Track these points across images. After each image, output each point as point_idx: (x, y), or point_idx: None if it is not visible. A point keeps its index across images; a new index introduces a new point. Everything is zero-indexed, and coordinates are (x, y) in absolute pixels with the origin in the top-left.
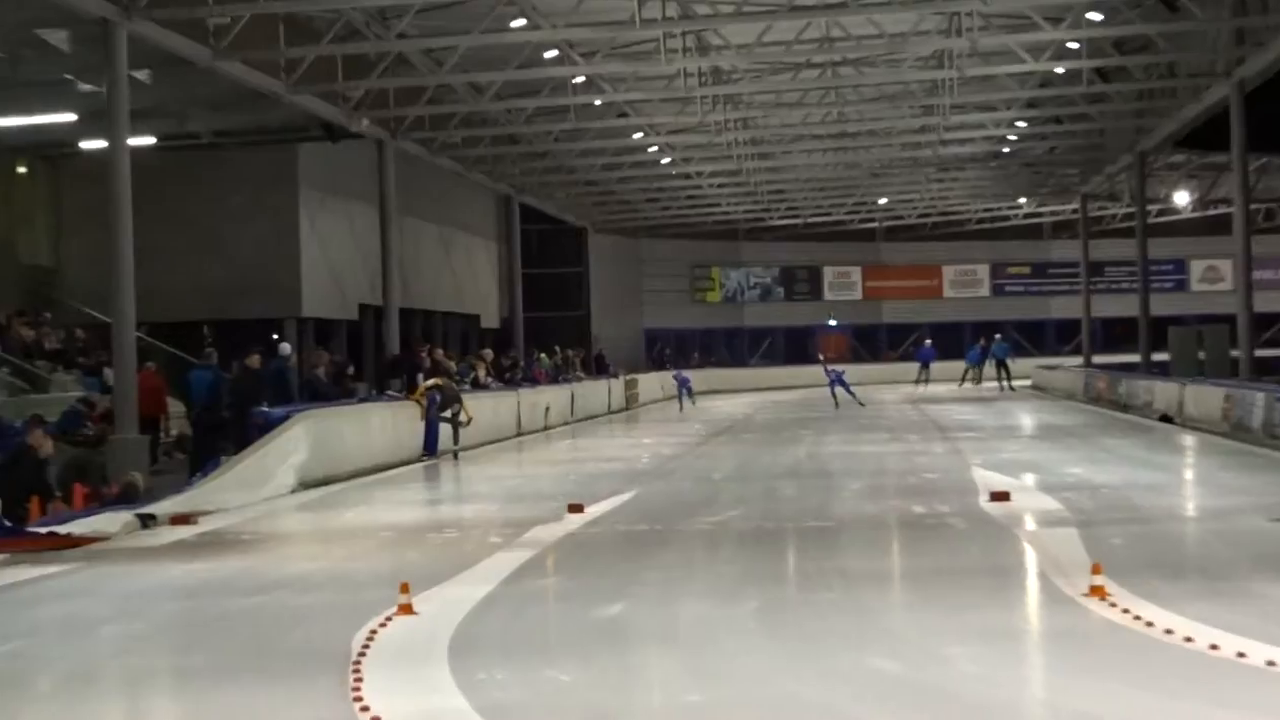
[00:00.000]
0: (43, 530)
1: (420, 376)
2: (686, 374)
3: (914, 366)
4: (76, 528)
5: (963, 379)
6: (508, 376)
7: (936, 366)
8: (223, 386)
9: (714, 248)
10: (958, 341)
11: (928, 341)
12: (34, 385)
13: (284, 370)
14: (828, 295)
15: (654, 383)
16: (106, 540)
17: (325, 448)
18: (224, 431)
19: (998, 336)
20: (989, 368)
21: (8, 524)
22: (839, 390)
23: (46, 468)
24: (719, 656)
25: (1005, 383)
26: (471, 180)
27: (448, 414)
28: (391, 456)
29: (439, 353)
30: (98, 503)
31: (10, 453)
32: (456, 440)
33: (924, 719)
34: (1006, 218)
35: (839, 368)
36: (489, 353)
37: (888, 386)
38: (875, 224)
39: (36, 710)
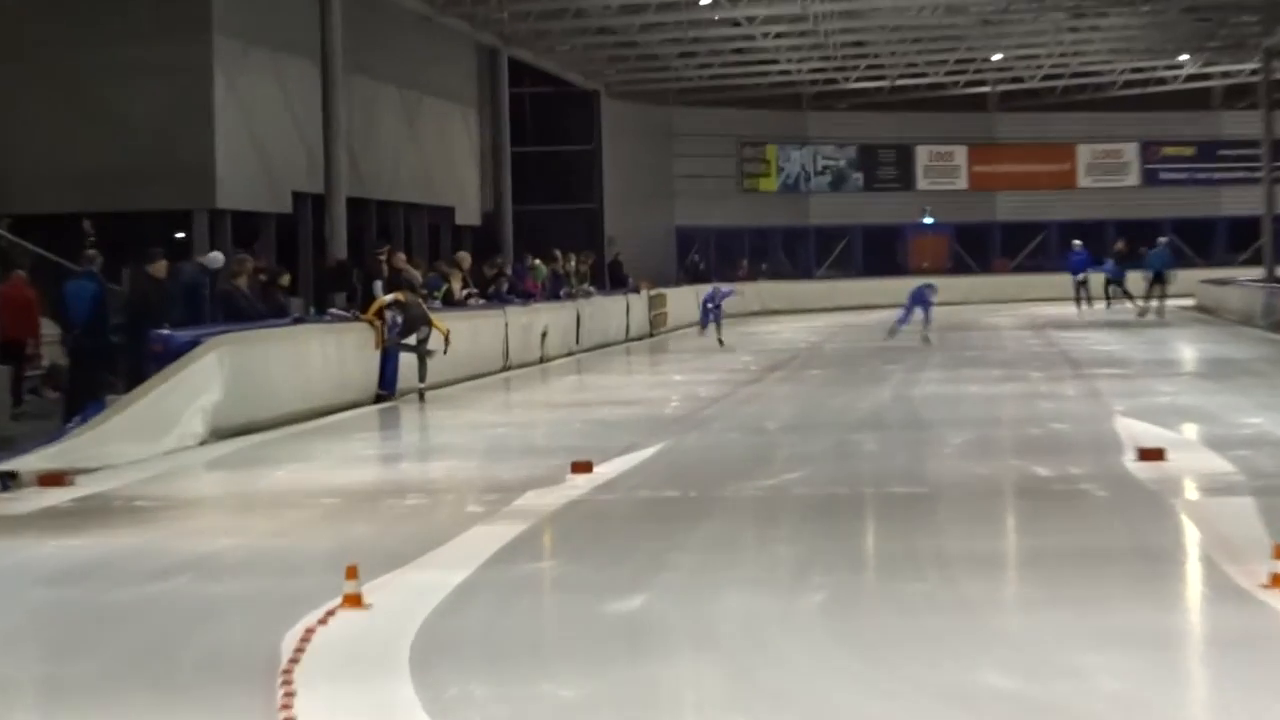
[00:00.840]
0: None
1: (376, 289)
2: (728, 287)
3: (1034, 280)
4: None
5: (1105, 298)
6: (492, 291)
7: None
8: (109, 302)
9: (770, 119)
10: (1097, 246)
11: (1077, 243)
12: None
13: (200, 283)
14: (922, 184)
15: (688, 300)
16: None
17: (247, 385)
18: (111, 363)
19: (1161, 240)
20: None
21: None
22: (918, 312)
23: None
24: (772, 667)
25: (1153, 302)
26: (444, 26)
27: (412, 340)
28: (336, 397)
29: (400, 257)
30: None
31: None
32: (423, 376)
33: None
34: (1163, 80)
35: (930, 282)
36: (466, 257)
37: (1003, 307)
38: (987, 89)
39: None
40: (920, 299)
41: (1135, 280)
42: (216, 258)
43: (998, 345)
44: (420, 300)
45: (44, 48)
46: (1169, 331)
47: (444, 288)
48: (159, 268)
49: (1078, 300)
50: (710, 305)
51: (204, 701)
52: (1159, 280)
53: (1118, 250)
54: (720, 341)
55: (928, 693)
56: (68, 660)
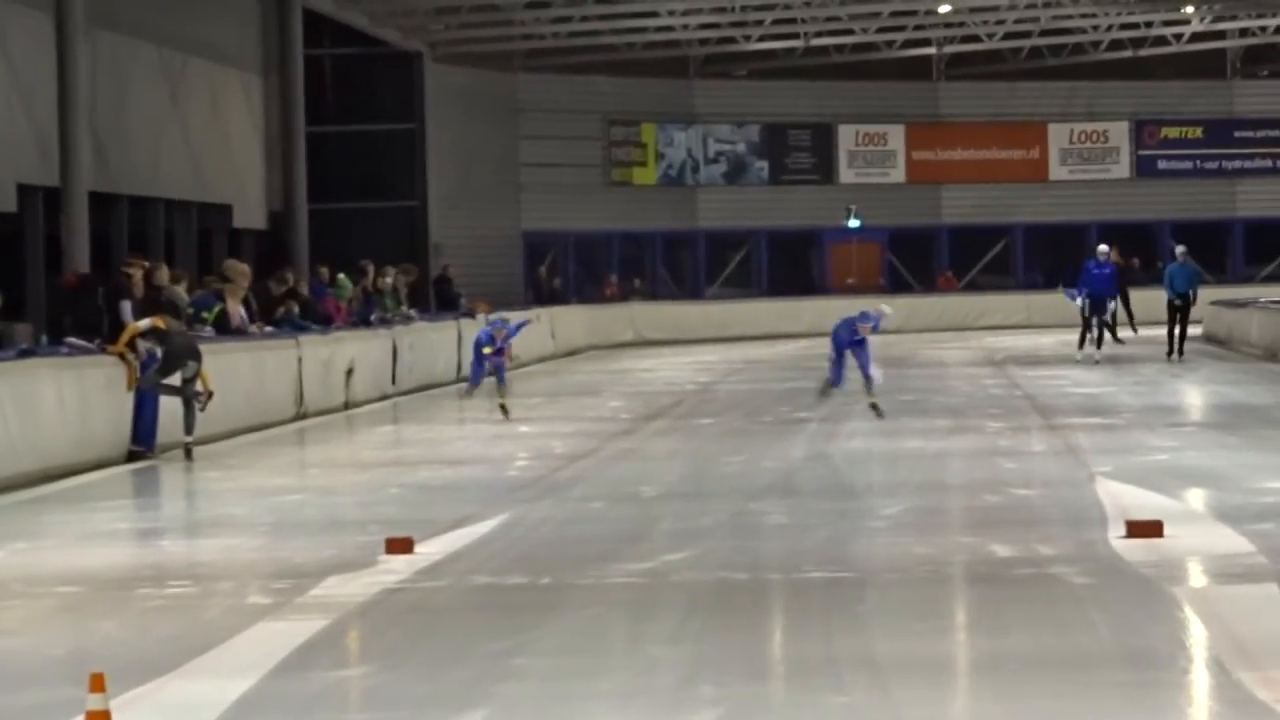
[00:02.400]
0: None
1: (125, 311)
2: (518, 320)
3: (991, 302)
4: None
5: (1088, 335)
6: (281, 314)
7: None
8: None
9: (647, 90)
10: (1074, 254)
11: (1103, 251)
12: None
13: None
14: (846, 176)
15: (539, 329)
16: None
17: None
18: None
19: (1180, 250)
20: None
21: None
22: (853, 358)
23: None
24: None
25: (1176, 341)
26: None
27: (175, 380)
28: (76, 454)
29: (163, 272)
30: None
31: None
32: (190, 426)
33: None
34: (1162, 40)
35: (865, 311)
36: (247, 271)
37: (951, 336)
38: (931, 50)
39: None
40: (848, 341)
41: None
42: None
43: (944, 387)
44: (185, 328)
45: None
46: (1169, 369)
47: (217, 309)
48: None
49: (1085, 336)
50: (489, 350)
51: None
52: (1183, 307)
53: (1118, 265)
54: (503, 409)
55: None
56: None
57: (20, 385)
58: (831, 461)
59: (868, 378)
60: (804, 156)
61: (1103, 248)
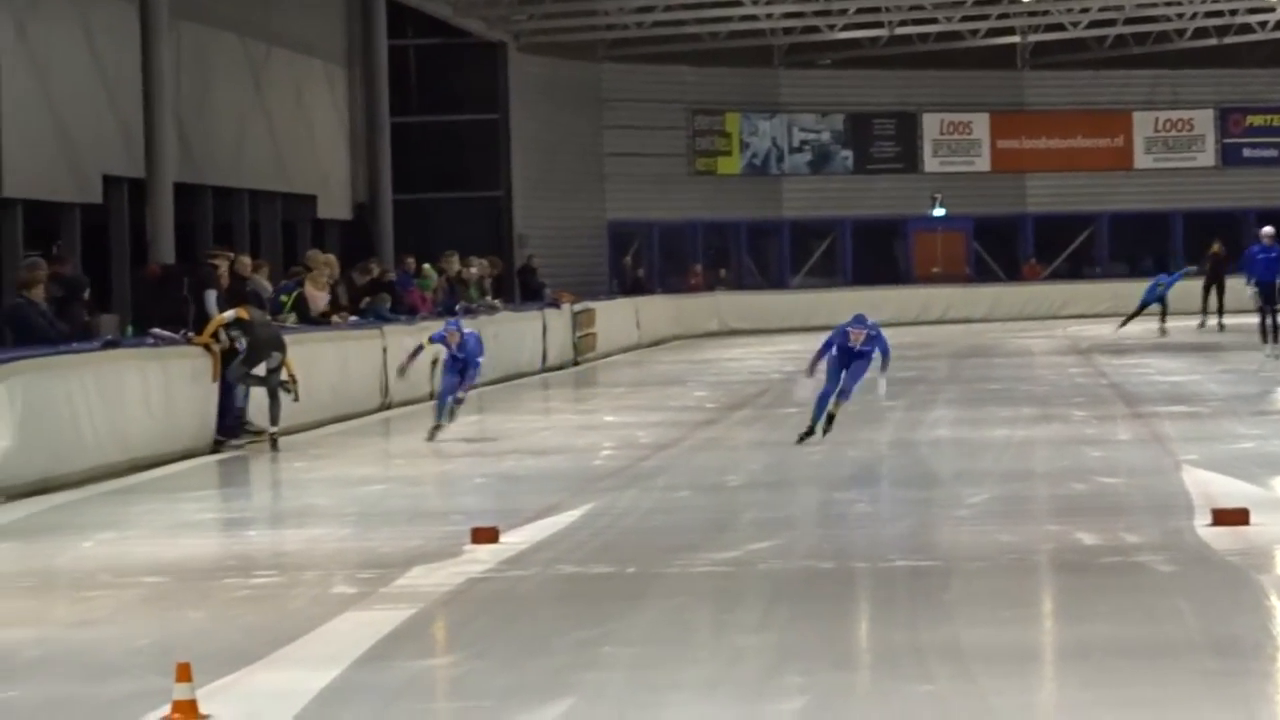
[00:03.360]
0: None
1: (210, 302)
2: (467, 333)
3: (1078, 291)
4: None
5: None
6: (366, 305)
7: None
8: None
9: (731, 80)
10: (1157, 243)
11: (1268, 233)
12: None
13: None
14: (930, 165)
15: (624, 318)
16: None
17: (44, 428)
18: None
19: (1269, 231)
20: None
21: None
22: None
23: None
24: None
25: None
26: None
27: (261, 370)
28: (162, 444)
29: (246, 262)
30: None
31: None
32: (276, 417)
33: None
34: (1247, 27)
35: (865, 325)
36: (332, 262)
37: (1037, 325)
38: (1015, 39)
39: None
40: (849, 351)
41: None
42: None
43: (1030, 376)
44: (269, 319)
45: None
46: (1257, 356)
47: (295, 294)
48: None
49: (1264, 327)
50: (434, 350)
51: None
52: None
53: (1214, 254)
54: (437, 420)
55: None
56: None
57: (106, 377)
58: (916, 450)
59: (843, 392)
60: (888, 145)
61: (1267, 230)
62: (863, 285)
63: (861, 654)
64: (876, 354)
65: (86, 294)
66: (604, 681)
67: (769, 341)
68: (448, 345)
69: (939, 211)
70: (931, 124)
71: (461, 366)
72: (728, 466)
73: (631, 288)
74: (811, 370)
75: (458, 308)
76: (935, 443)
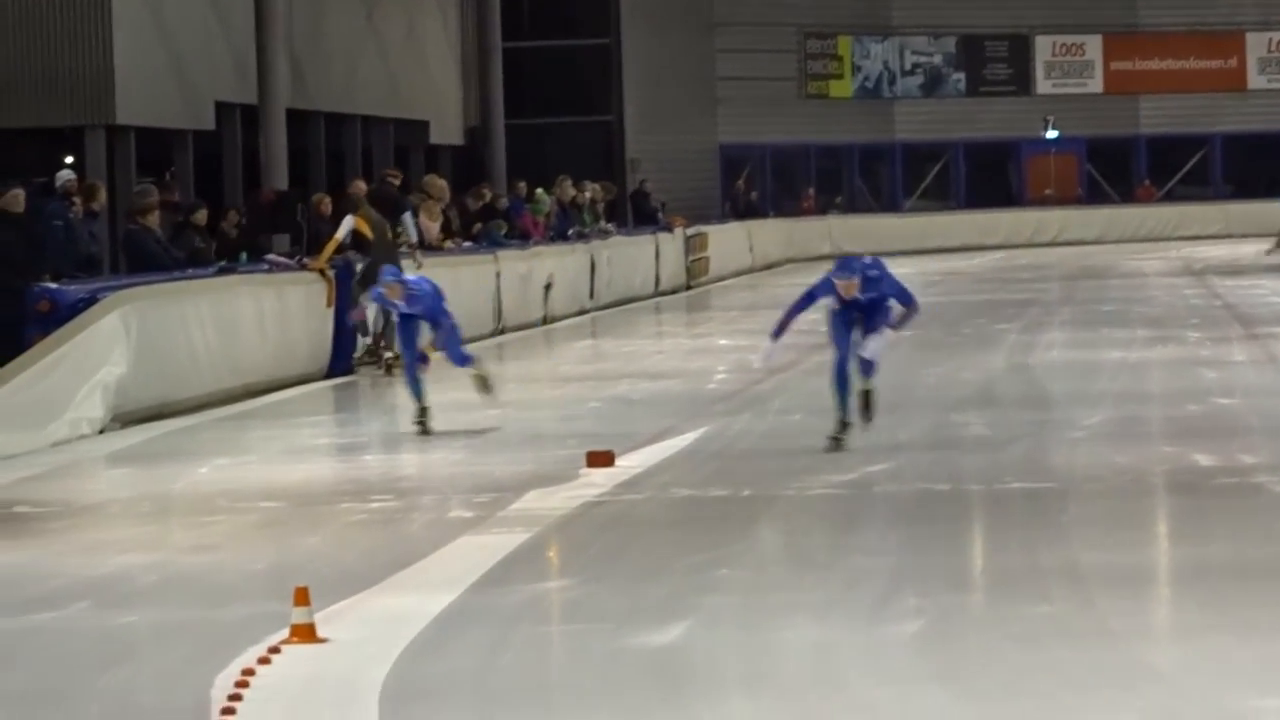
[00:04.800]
0: None
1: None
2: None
3: (1191, 212)
4: None
5: None
6: (479, 230)
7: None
8: None
9: (843, 2)
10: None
11: None
12: None
13: (66, 217)
14: (1042, 87)
15: (736, 242)
16: None
17: (160, 355)
18: None
19: None
20: None
21: None
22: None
23: None
24: (851, 715)
25: None
26: None
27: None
28: (277, 369)
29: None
30: None
31: None
32: (391, 341)
33: None
34: None
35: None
36: (444, 187)
37: (1150, 247)
38: None
39: None
40: (853, 305)
41: None
42: (63, 175)
43: (1144, 297)
44: (389, 233)
45: None
46: None
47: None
48: (14, 199)
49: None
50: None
51: None
52: None
53: None
54: (423, 422)
55: None
56: None
57: (220, 303)
58: (1031, 372)
59: (865, 364)
60: (1001, 68)
61: None
62: (975, 208)
63: (978, 576)
64: (893, 301)
65: (203, 219)
66: (720, 605)
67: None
68: (389, 303)
69: (1051, 134)
70: (1044, 46)
71: (418, 323)
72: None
73: (744, 211)
74: (777, 333)
75: (570, 232)
76: (1049, 365)
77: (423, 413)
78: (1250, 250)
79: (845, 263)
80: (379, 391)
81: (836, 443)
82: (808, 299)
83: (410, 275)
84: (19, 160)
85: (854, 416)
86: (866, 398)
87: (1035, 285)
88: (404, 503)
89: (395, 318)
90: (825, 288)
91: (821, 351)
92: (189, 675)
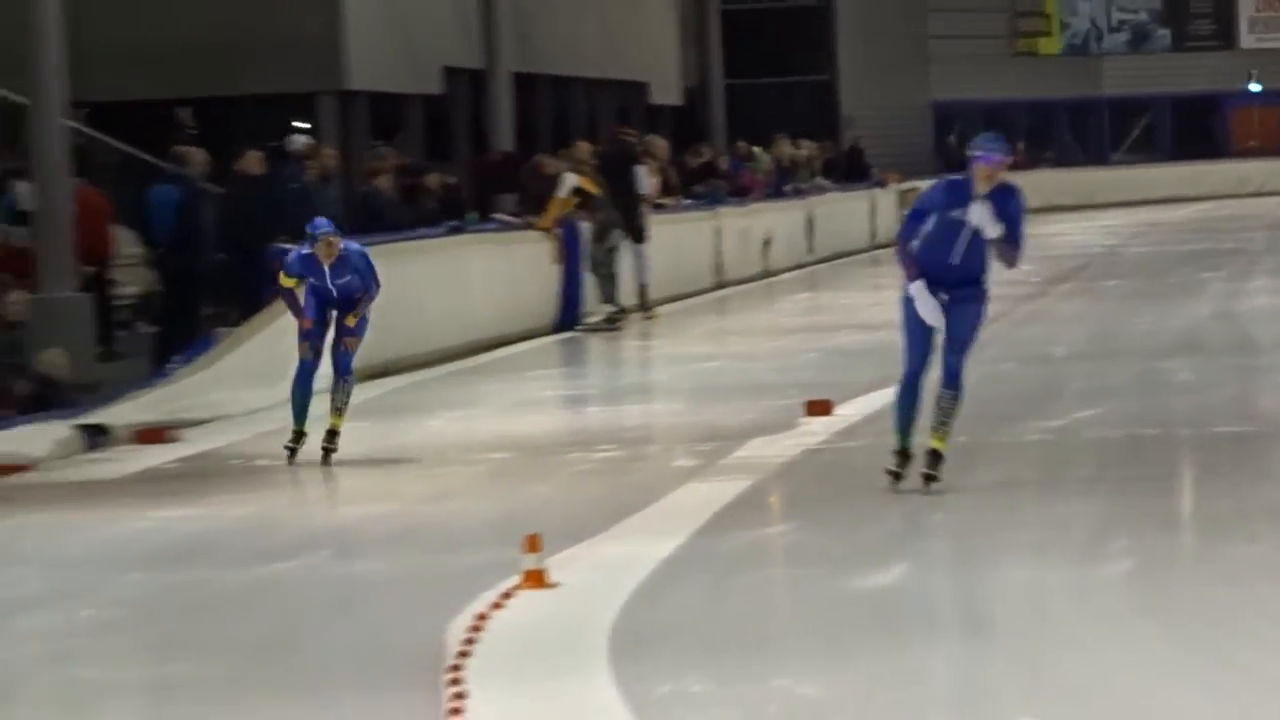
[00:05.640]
0: None
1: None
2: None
3: None
4: None
5: None
6: (699, 188)
7: None
8: (201, 210)
9: None
10: None
11: None
12: None
13: (301, 179)
14: (1247, 41)
15: None
16: (28, 470)
17: (392, 312)
18: (211, 287)
19: None
20: None
21: None
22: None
23: None
24: (1064, 655)
25: None
26: None
27: (611, 243)
28: (505, 325)
29: (583, 148)
30: (11, 409)
31: None
32: (613, 296)
33: None
34: None
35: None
36: (664, 145)
37: None
38: None
39: None
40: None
41: None
42: (297, 140)
43: None
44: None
45: None
46: None
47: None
48: (252, 161)
49: None
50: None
51: (348, 707)
52: None
53: None
54: (330, 438)
55: (1267, 686)
56: (171, 659)
57: (450, 261)
58: (1238, 319)
59: (949, 374)
60: (1205, 23)
61: None
62: (1180, 161)
63: (1186, 518)
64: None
65: (434, 182)
66: (935, 549)
67: (1090, 216)
68: (314, 271)
69: (1255, 87)
70: (1247, 2)
71: (336, 303)
72: (1052, 338)
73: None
74: (905, 257)
75: (787, 189)
76: (1255, 312)
77: (297, 439)
78: None
79: (994, 140)
80: (604, 346)
81: (896, 479)
82: (921, 213)
83: (347, 241)
84: (255, 125)
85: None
86: (935, 456)
87: (1240, 235)
88: (629, 452)
89: (305, 291)
90: (945, 192)
91: (1028, 305)
92: (425, 620)
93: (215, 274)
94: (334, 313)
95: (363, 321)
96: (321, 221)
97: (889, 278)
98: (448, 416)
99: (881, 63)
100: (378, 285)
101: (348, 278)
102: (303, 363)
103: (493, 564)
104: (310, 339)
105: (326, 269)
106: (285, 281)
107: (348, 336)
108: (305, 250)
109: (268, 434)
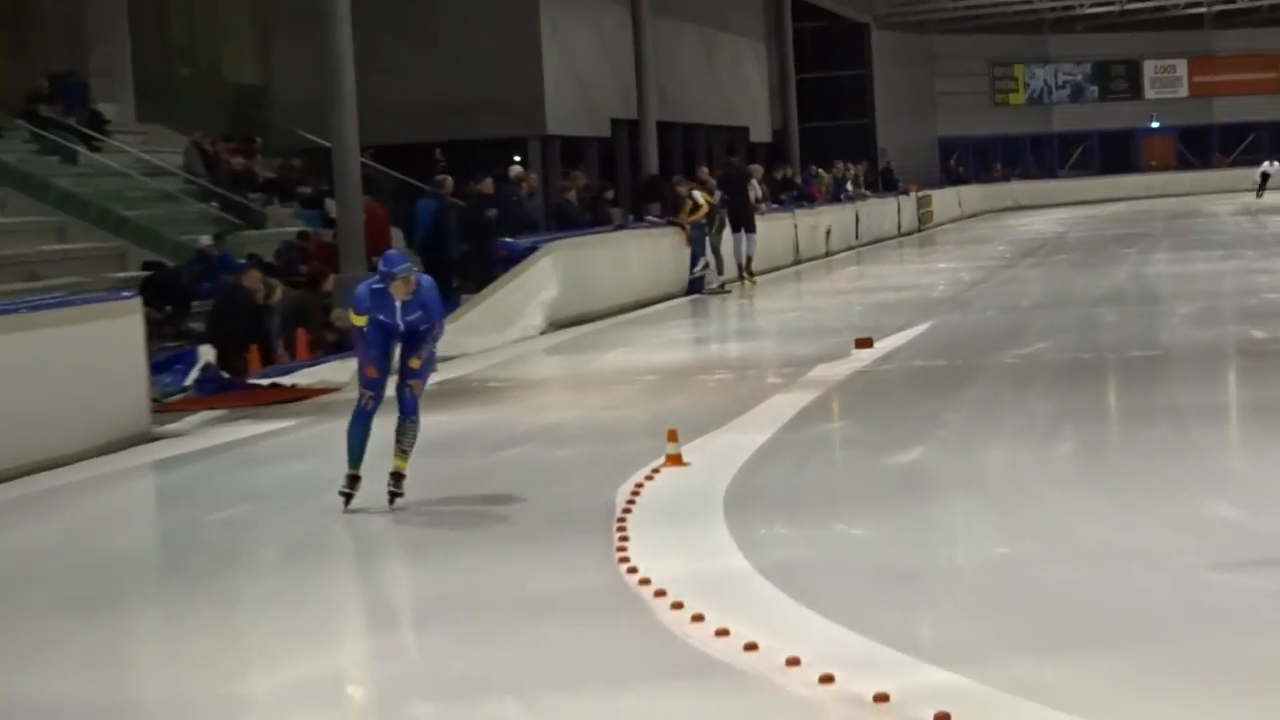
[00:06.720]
0: (264, 382)
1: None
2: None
3: (1247, 174)
4: (301, 379)
5: None
6: (783, 197)
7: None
8: (449, 216)
9: (1016, 42)
10: None
11: None
12: (247, 220)
13: (518, 195)
14: (1149, 93)
15: (950, 200)
16: (334, 391)
17: (578, 283)
18: (454, 267)
19: None
20: None
21: (225, 376)
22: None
23: (266, 314)
24: (1030, 505)
25: None
26: None
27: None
28: (652, 290)
29: (703, 171)
30: (320, 351)
31: (221, 296)
32: (721, 268)
33: (1273, 570)
34: None
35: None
36: (759, 169)
37: (1222, 197)
38: (1204, 9)
39: (258, 587)
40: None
41: None
42: (513, 169)
43: (1218, 229)
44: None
45: (400, 3)
46: None
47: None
48: (483, 186)
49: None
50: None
51: (551, 548)
52: None
53: None
54: (394, 490)
55: (1164, 523)
56: (428, 517)
57: (616, 248)
58: (1144, 280)
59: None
60: (1121, 82)
61: None
62: (1107, 174)
63: (1113, 413)
64: None
65: (608, 194)
66: (944, 437)
67: (1046, 213)
68: (385, 307)
69: (1155, 124)
70: (1149, 67)
71: (402, 338)
72: (1021, 294)
73: (955, 180)
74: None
75: (842, 196)
76: (1158, 275)
77: (353, 481)
78: None
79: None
80: (716, 305)
81: None
82: None
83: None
84: (486, 159)
85: None
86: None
87: (1146, 224)
88: (735, 374)
89: (368, 329)
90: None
91: (1004, 272)
92: (600, 489)
93: (459, 260)
94: (397, 349)
95: (428, 362)
96: (396, 257)
97: (910, 255)
98: (616, 352)
99: (904, 111)
100: (443, 324)
101: (418, 313)
102: (363, 409)
103: (646, 450)
104: (374, 388)
105: (399, 304)
106: (356, 320)
107: (413, 379)
108: (376, 285)
109: (496, 365)
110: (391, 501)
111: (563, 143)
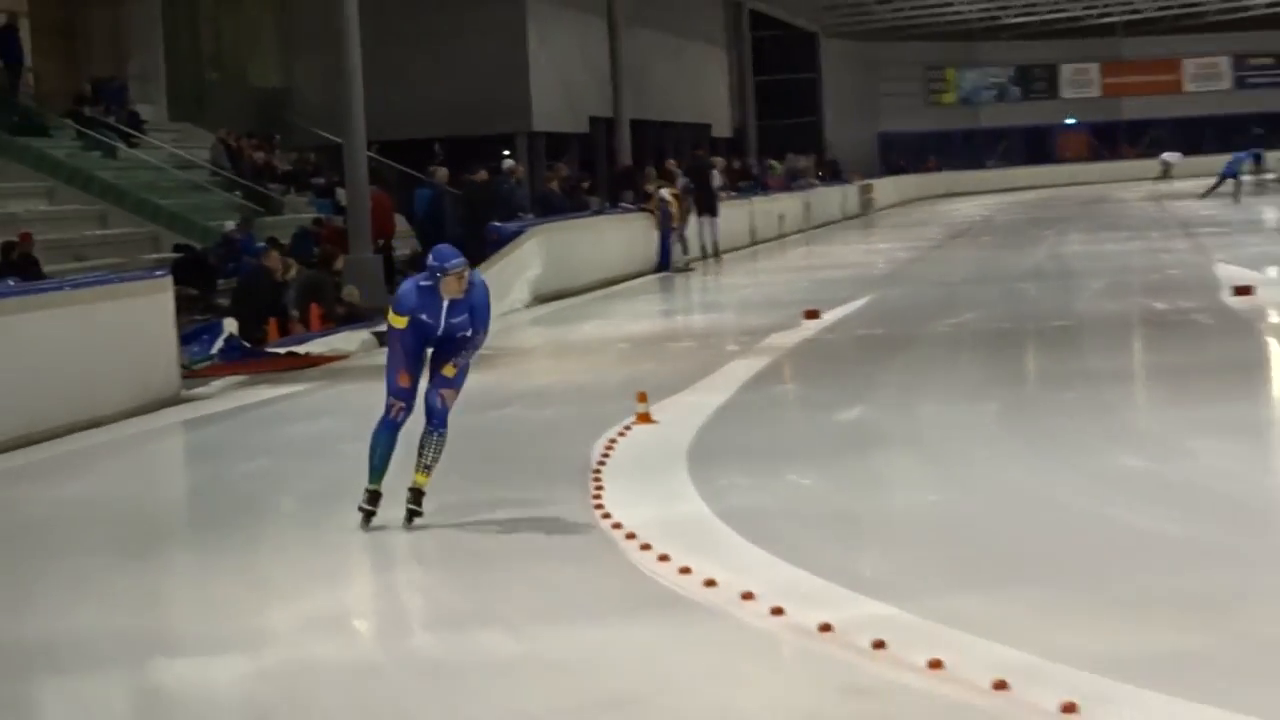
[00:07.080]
0: (281, 351)
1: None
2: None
3: (1150, 164)
4: (315, 347)
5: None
6: (741, 185)
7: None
8: (444, 202)
9: (949, 49)
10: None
11: None
12: (267, 208)
13: (508, 185)
14: (1065, 93)
15: (889, 188)
16: (345, 359)
17: (560, 262)
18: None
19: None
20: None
21: (246, 345)
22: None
23: (283, 290)
24: (960, 458)
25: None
26: None
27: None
28: (625, 268)
29: (671, 163)
30: (334, 323)
31: (245, 275)
32: (686, 249)
33: (1173, 514)
34: (1246, 8)
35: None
36: (720, 161)
37: (1130, 185)
38: (1115, 19)
39: (281, 529)
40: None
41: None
42: (505, 162)
43: (1126, 214)
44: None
45: (406, 16)
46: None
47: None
48: (479, 176)
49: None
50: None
51: (535, 495)
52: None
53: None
54: (411, 510)
55: (1080, 472)
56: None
57: (594, 231)
58: (1061, 258)
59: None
60: (1041, 84)
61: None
62: (1028, 165)
63: (1032, 375)
64: None
65: (585, 185)
66: (882, 396)
67: (974, 199)
68: (429, 307)
69: (1070, 120)
70: (1066, 71)
71: (437, 342)
72: (951, 271)
73: (894, 170)
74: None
75: (793, 184)
76: (1073, 254)
77: (374, 505)
78: (1189, 187)
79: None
80: (683, 282)
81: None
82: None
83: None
84: (479, 154)
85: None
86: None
87: (1062, 209)
88: (698, 342)
89: (406, 333)
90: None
91: (937, 251)
92: (580, 443)
93: (455, 242)
94: (429, 353)
95: (463, 371)
96: (448, 251)
97: (854, 236)
98: (594, 323)
99: (849, 110)
100: (486, 333)
101: (463, 316)
102: (391, 420)
103: (620, 410)
104: (405, 398)
105: (446, 304)
106: (396, 321)
107: (445, 389)
108: (424, 282)
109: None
110: (409, 520)
111: (547, 138)
